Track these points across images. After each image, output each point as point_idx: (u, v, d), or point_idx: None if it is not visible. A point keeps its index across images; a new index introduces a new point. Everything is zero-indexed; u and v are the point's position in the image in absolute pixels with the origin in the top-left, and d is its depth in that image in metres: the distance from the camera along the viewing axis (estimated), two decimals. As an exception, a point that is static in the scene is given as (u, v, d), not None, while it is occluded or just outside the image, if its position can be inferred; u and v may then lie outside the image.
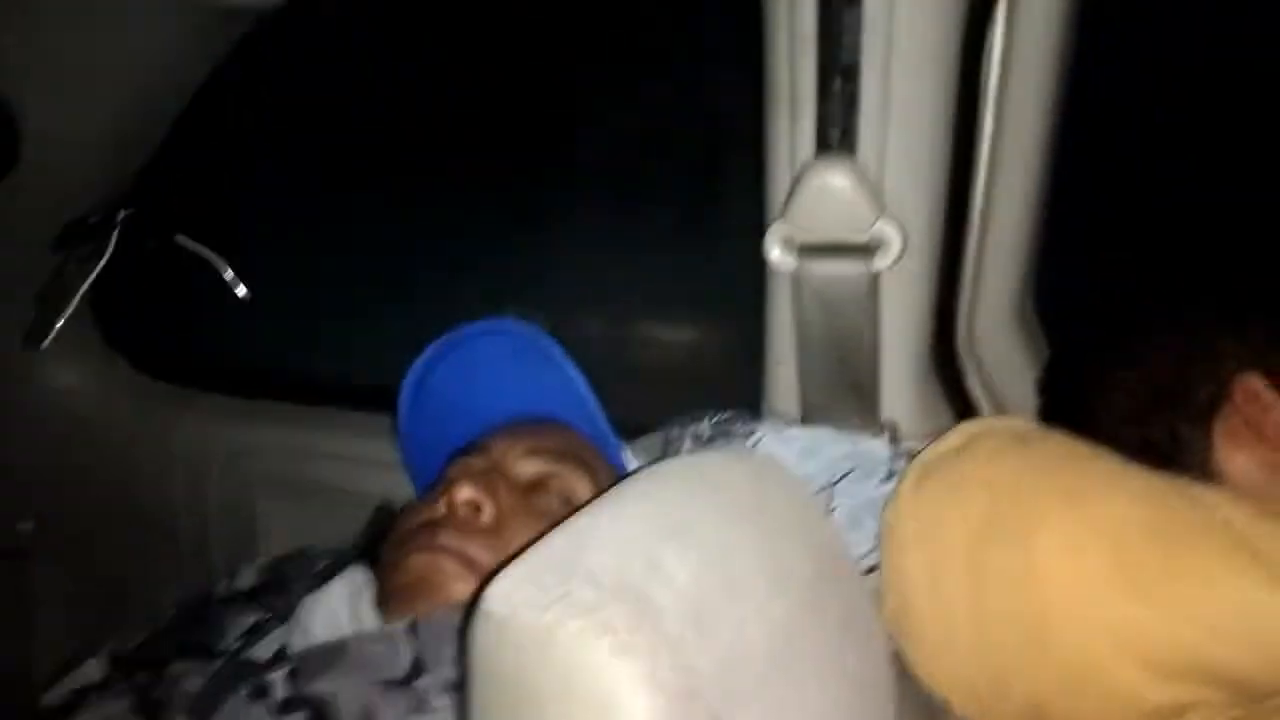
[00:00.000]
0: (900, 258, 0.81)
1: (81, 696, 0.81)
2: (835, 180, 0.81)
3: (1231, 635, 0.58)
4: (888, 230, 0.81)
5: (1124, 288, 0.88)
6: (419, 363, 0.92)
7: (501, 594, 0.46)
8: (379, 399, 1.09)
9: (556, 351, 0.90)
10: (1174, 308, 0.80)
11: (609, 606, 0.44)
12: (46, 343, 1.17)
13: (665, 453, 0.96)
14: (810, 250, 0.84)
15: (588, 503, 0.83)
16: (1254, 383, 0.73)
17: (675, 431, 0.96)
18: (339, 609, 0.79)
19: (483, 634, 0.46)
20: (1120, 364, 0.79)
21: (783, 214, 0.84)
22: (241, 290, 1.12)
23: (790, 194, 0.83)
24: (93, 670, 0.85)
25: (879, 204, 0.81)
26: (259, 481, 1.21)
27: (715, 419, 0.94)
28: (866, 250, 0.82)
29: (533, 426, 0.89)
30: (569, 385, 0.90)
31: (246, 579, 0.98)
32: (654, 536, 0.50)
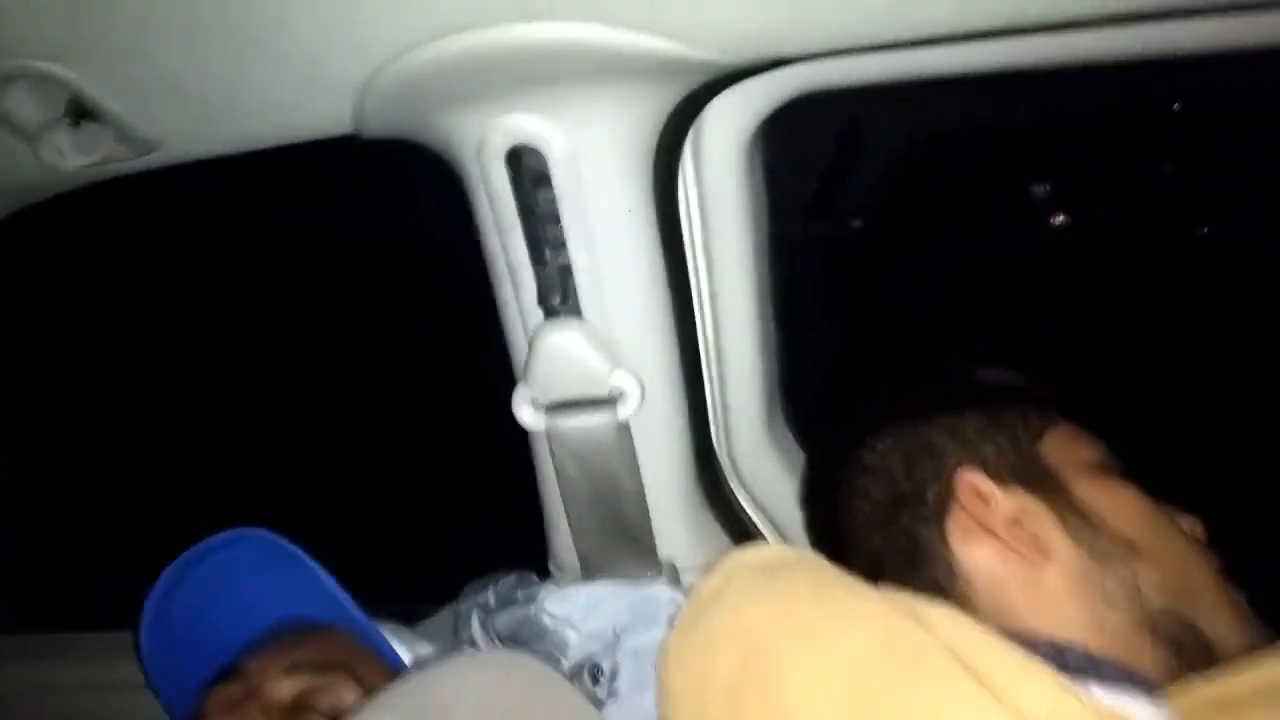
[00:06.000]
0: (641, 404, 0.84)
1: None
2: (566, 341, 0.83)
3: None
4: (624, 380, 0.84)
5: (857, 394, 0.93)
6: (155, 588, 0.88)
7: None
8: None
9: (298, 554, 0.87)
10: (897, 410, 0.85)
11: None
12: None
13: (455, 628, 0.94)
14: (557, 408, 0.86)
15: None
16: (972, 477, 0.77)
17: (464, 605, 0.94)
18: None
19: None
20: (857, 472, 0.83)
21: (525, 377, 0.86)
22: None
23: (528, 357, 0.85)
24: None
25: (612, 357, 0.84)
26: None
27: (499, 587, 0.93)
28: (609, 402, 0.85)
29: (291, 638, 0.85)
30: (319, 586, 0.87)
31: None
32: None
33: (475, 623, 0.91)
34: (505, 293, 0.86)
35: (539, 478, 0.92)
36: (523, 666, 0.68)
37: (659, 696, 0.73)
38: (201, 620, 0.87)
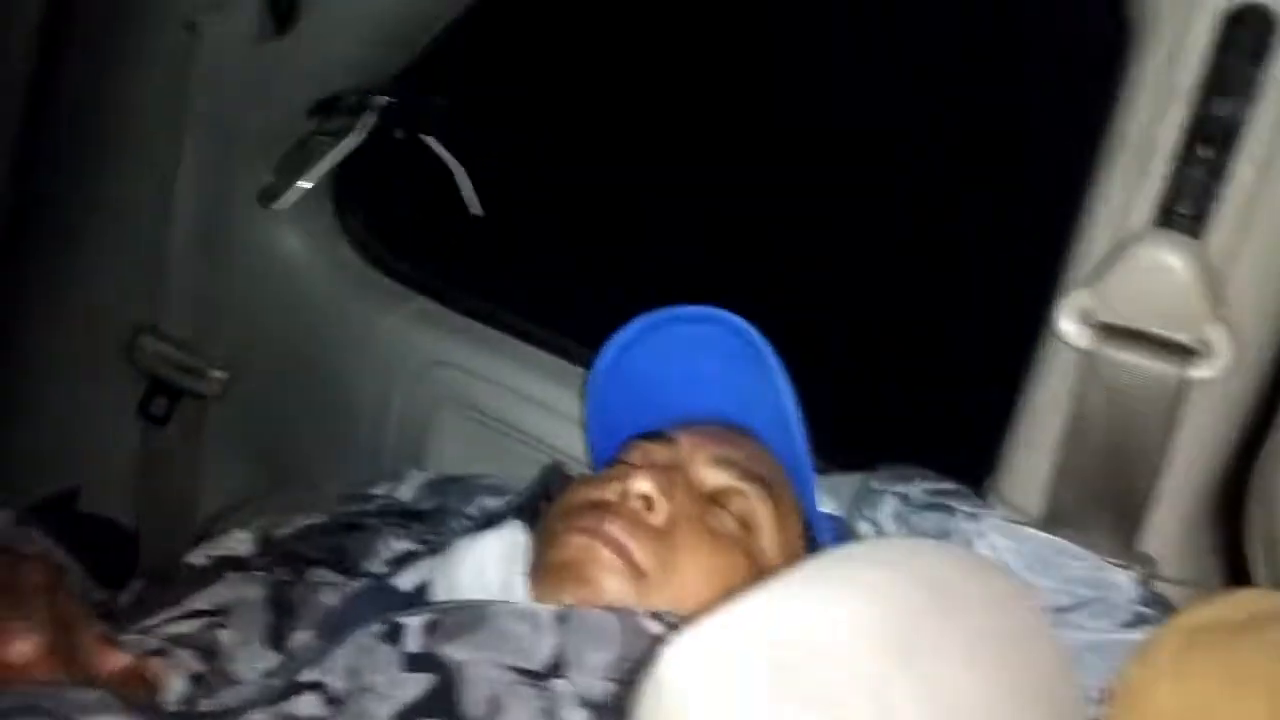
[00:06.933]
0: (1225, 371, 0.67)
1: (221, 567, 0.79)
2: (1168, 261, 0.68)
3: None
4: (1219, 335, 0.67)
5: None
6: (624, 331, 0.85)
7: (688, 680, 0.38)
8: (580, 351, 1.06)
9: (771, 358, 0.80)
10: None
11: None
12: (279, 205, 1.18)
13: (858, 504, 0.85)
14: (1112, 333, 0.71)
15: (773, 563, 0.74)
16: None
17: (876, 483, 0.85)
18: (490, 566, 0.73)
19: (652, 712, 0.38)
20: None
21: (1089, 283, 0.71)
22: (476, 206, 1.09)
23: (1105, 263, 0.70)
24: (239, 543, 0.85)
25: (1216, 301, 0.67)
26: (443, 397, 1.18)
27: (929, 483, 0.82)
28: (1184, 351, 0.68)
29: (725, 433, 0.80)
30: (776, 398, 0.80)
31: (409, 489, 0.96)
32: (883, 661, 0.40)
33: (890, 508, 0.81)
34: (1113, 176, 0.70)
35: (1033, 395, 0.78)
36: (1029, 591, 0.56)
37: (1124, 709, 0.61)
38: (654, 380, 0.85)
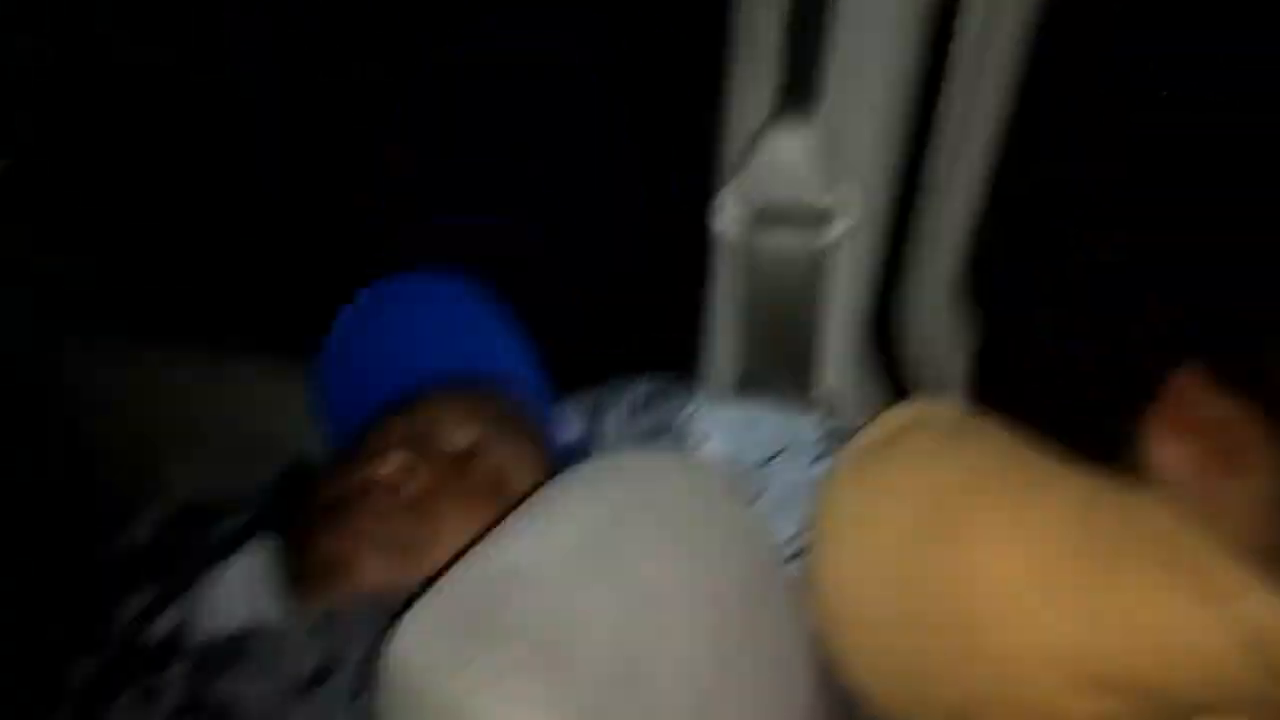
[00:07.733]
0: (853, 227, 0.77)
1: None
2: (798, 140, 0.75)
3: (1158, 649, 0.57)
4: (843, 197, 0.76)
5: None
6: (347, 312, 0.86)
7: (410, 648, 0.42)
8: (289, 340, 1.01)
9: (490, 306, 0.84)
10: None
11: (527, 673, 0.40)
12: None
13: (596, 417, 0.91)
14: (764, 216, 0.79)
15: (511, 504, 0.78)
16: (1192, 377, 0.70)
17: (607, 395, 0.91)
18: (238, 592, 0.71)
19: (390, 691, 0.42)
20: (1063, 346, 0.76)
21: (736, 175, 0.78)
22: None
23: (748, 154, 0.77)
24: None
25: (837, 168, 0.76)
26: (159, 424, 1.12)
27: (648, 386, 0.90)
28: (821, 217, 0.77)
29: (462, 388, 0.82)
30: (505, 343, 0.85)
31: (143, 532, 0.90)
32: (579, 576, 0.45)
33: (615, 416, 0.88)
34: (742, 72, 0.77)
35: (717, 287, 0.86)
36: (716, 472, 0.63)
37: (815, 535, 0.71)
38: (383, 355, 0.85)
